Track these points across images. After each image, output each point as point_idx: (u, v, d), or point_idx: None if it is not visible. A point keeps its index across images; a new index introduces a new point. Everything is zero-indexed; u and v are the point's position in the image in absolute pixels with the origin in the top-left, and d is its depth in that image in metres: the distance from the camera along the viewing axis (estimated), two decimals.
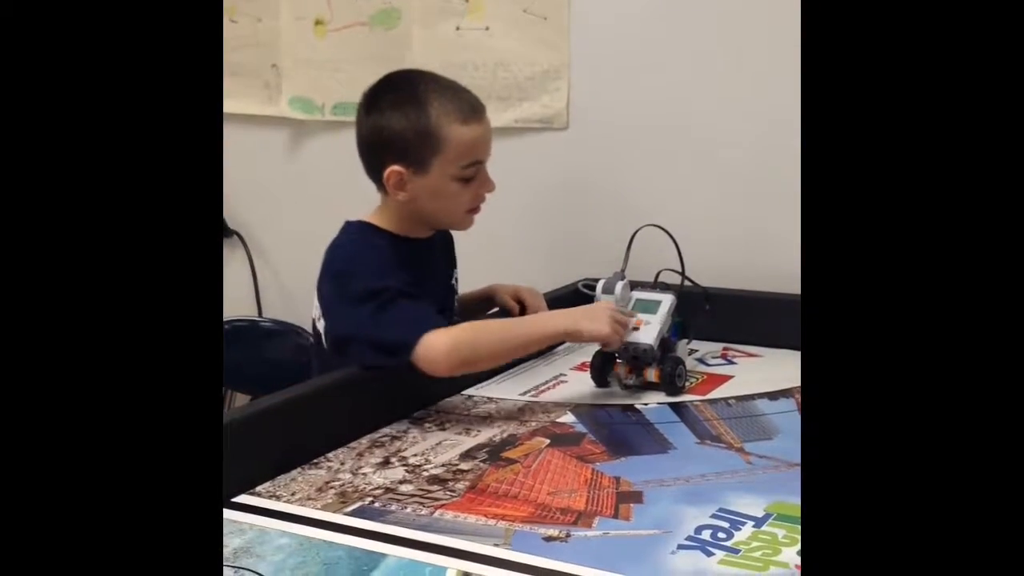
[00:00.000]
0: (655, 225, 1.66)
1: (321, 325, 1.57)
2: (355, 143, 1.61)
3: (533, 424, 1.46)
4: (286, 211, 2.46)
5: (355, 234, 1.60)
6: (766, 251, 1.92)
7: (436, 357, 1.44)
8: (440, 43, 2.15)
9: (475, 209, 1.62)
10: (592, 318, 1.53)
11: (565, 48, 2.03)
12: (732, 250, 1.96)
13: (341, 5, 2.25)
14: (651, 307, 1.62)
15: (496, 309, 1.80)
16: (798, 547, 1.06)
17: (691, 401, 1.55)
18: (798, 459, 1.27)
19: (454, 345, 1.45)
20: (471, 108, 1.56)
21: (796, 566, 1.03)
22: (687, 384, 1.61)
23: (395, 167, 1.55)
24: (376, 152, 1.57)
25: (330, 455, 1.35)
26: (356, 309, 1.48)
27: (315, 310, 1.59)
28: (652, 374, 1.58)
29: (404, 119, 1.54)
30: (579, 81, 2.04)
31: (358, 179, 1.64)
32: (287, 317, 2.42)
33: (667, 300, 1.62)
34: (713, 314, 1.76)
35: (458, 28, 2.13)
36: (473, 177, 1.57)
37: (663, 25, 1.97)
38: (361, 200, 1.62)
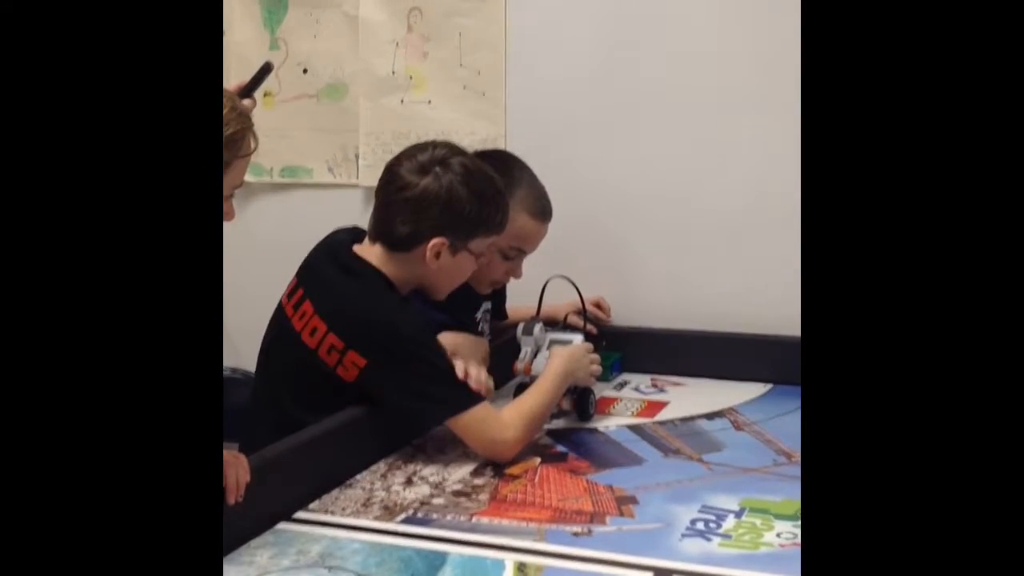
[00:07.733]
0: (562, 276, 1.94)
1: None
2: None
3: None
4: (232, 267, 2.62)
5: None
6: (683, 293, 2.22)
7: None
8: (385, 114, 2.39)
9: None
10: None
11: (501, 120, 2.31)
12: (654, 292, 2.25)
13: (289, 79, 2.46)
14: (565, 345, 1.87)
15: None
16: (775, 531, 1.35)
17: (644, 423, 1.83)
18: (749, 465, 1.58)
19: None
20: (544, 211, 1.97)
21: (780, 545, 1.31)
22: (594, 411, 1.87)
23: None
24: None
25: (358, 476, 1.57)
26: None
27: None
28: (567, 402, 1.83)
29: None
30: (514, 149, 2.30)
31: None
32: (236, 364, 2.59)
33: (577, 338, 1.89)
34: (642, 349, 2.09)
35: (402, 101, 2.38)
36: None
37: (586, 104, 2.27)
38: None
